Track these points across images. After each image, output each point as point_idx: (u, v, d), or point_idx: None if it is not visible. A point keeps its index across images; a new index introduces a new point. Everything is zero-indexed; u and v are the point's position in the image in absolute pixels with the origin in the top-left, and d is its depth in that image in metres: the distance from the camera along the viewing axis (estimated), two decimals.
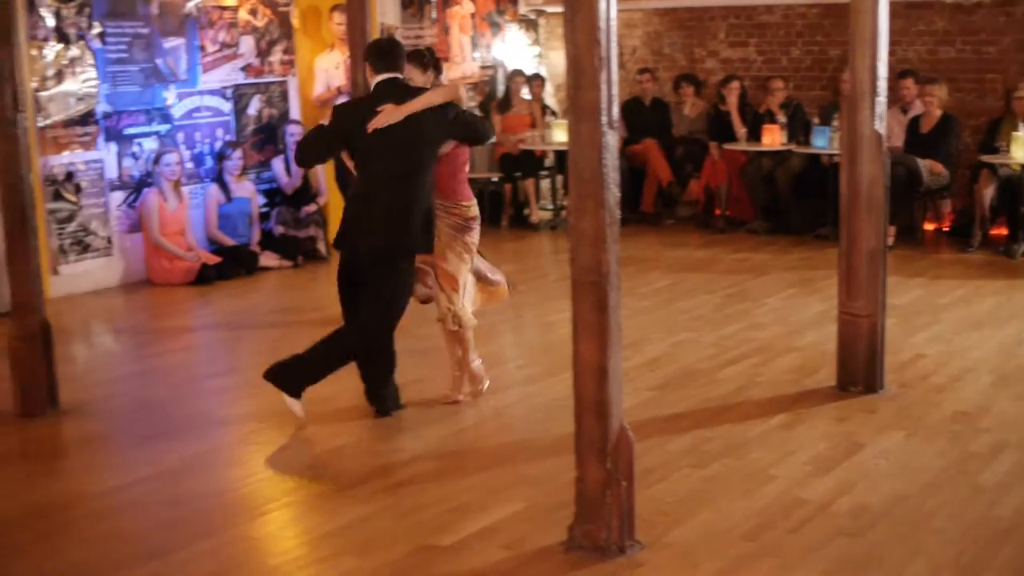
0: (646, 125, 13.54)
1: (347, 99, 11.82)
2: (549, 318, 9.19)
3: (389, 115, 6.63)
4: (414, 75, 7.00)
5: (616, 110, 4.71)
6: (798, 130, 12.54)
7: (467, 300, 7.03)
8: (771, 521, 5.35)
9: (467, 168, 7.09)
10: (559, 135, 13.16)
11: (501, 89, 14.55)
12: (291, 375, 6.70)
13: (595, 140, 4.65)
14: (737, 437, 6.45)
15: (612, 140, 4.70)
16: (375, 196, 6.69)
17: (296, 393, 6.69)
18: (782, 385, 7.37)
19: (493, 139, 6.90)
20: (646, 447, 5.48)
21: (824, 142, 11.91)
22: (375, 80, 6.85)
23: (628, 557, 4.94)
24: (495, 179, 13.76)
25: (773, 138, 12.46)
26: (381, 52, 6.91)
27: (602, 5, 4.58)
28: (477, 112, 6.91)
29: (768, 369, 7.72)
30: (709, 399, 7.14)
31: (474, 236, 6.99)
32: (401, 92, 6.74)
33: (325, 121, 7.27)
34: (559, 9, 14.93)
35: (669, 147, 13.46)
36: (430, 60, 7.22)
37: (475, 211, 7.04)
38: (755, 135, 12.74)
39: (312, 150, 7.09)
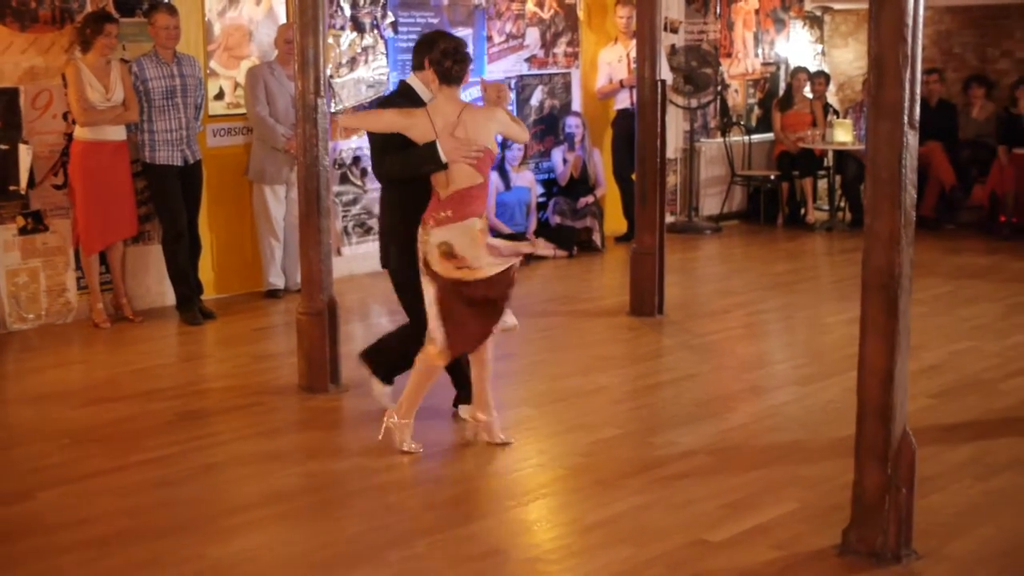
0: (930, 127, 13.14)
1: (628, 93, 11.95)
2: (824, 320, 9.06)
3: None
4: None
5: (918, 110, 4.61)
6: None
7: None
8: None
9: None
10: (840, 135, 12.98)
11: (782, 86, 14.41)
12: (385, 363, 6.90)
13: (895, 140, 4.57)
14: (1023, 452, 6.21)
15: (912, 140, 4.61)
16: None
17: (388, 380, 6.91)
18: None
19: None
20: (924, 455, 5.32)
21: None
22: None
23: (904, 566, 4.83)
24: (772, 177, 13.64)
25: None
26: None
27: (910, 1, 4.48)
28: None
29: None
30: (992, 410, 6.91)
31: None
32: None
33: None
34: (846, 6, 14.81)
35: (954, 150, 13.08)
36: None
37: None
38: None
39: None
